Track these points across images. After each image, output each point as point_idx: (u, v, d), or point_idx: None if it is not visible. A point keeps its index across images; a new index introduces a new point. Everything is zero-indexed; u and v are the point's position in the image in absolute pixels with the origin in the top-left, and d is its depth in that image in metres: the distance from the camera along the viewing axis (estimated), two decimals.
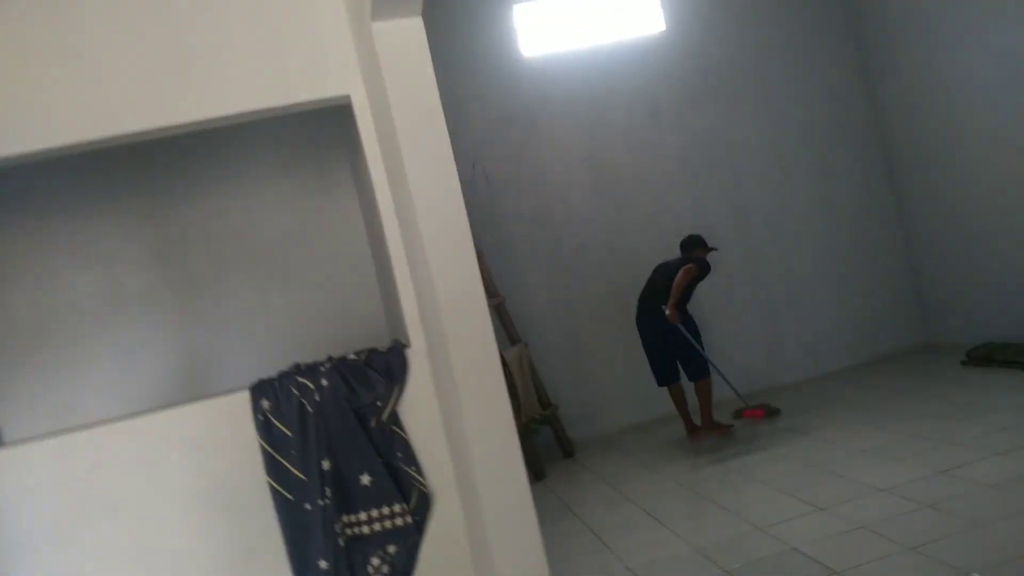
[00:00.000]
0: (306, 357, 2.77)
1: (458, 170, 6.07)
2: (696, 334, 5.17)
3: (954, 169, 5.88)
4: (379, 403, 2.61)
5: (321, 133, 4.57)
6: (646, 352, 5.31)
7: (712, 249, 5.35)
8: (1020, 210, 5.41)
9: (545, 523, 4.23)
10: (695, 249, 5.29)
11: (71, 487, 2.49)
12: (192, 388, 4.33)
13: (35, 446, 2.53)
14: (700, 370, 5.15)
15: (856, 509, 3.48)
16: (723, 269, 5.83)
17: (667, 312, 5.06)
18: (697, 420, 5.26)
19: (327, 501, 2.54)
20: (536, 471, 5.19)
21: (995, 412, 4.39)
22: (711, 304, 6.01)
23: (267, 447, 2.55)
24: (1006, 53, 5.20)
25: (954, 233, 6.06)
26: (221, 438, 2.60)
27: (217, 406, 2.59)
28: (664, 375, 5.29)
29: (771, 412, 5.33)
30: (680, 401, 5.30)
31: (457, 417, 2.37)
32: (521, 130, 5.96)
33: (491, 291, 5.59)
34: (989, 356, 5.48)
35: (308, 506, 2.55)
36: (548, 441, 5.65)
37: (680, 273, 5.06)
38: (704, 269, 5.20)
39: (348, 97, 2.55)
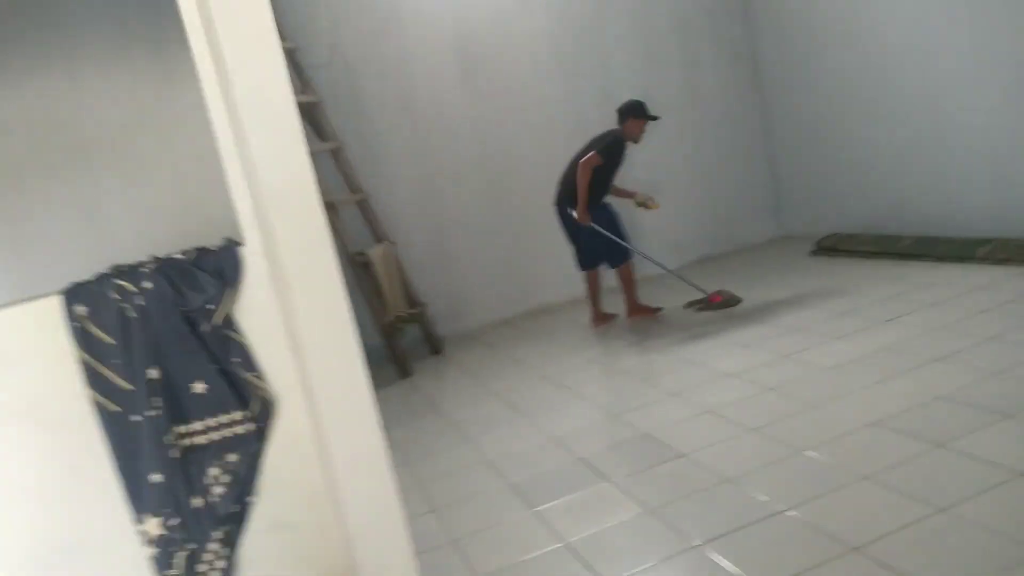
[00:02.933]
0: (144, 257, 2.52)
1: (313, 53, 5.65)
2: (613, 220, 5.01)
3: (813, 68, 6.00)
4: (211, 306, 2.41)
5: (157, 10, 4.08)
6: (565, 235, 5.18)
7: (651, 119, 4.92)
8: (866, 111, 5.60)
9: (409, 420, 4.25)
10: (627, 119, 4.92)
11: None
12: (19, 291, 3.95)
13: None
14: (617, 257, 5.02)
15: (705, 394, 3.63)
16: None
17: (575, 215, 4.88)
18: (611, 311, 5.31)
19: (157, 411, 2.36)
20: (403, 369, 5.15)
21: (836, 298, 4.66)
22: None
23: (86, 357, 2.33)
24: None
25: (808, 130, 6.25)
26: (31, 349, 2.35)
27: (23, 313, 2.32)
28: (581, 260, 5.20)
29: (729, 300, 4.87)
30: (592, 288, 5.23)
31: (294, 318, 2.23)
32: (382, 11, 5.57)
33: (353, 186, 5.35)
34: (835, 246, 5.79)
35: (136, 418, 2.37)
36: (416, 339, 5.59)
37: (580, 168, 4.79)
38: (613, 152, 4.86)
39: None
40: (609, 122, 5.58)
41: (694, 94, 6.36)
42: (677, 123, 6.30)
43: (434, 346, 5.57)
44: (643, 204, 5.12)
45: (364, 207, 5.40)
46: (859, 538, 2.23)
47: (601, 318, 5.26)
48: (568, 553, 2.54)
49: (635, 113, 4.91)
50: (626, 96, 6.01)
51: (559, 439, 3.50)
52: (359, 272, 5.09)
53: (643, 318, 5.12)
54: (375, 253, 5.20)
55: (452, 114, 5.81)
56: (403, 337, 5.30)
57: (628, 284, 5.10)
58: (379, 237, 5.40)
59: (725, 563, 2.28)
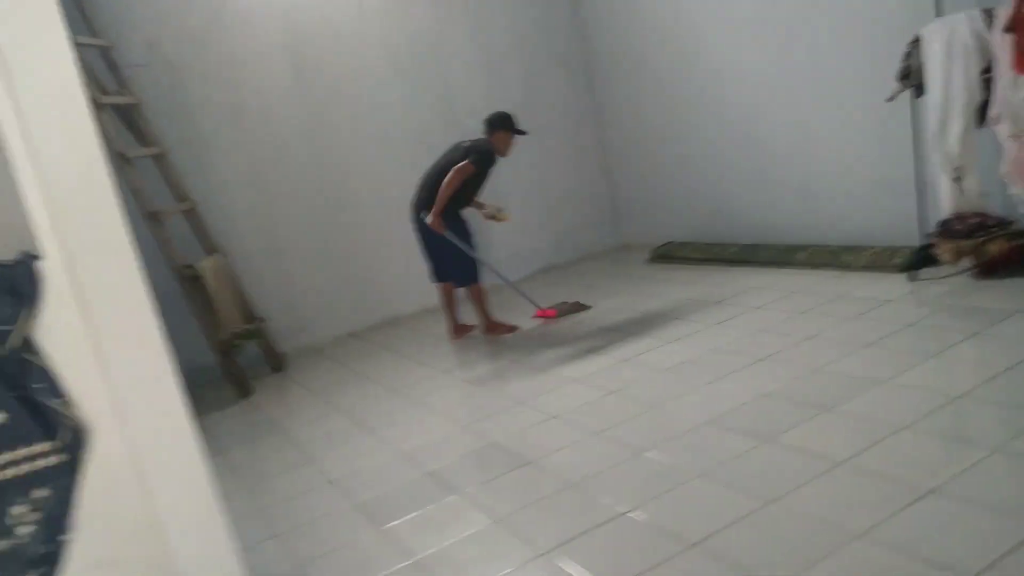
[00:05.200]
0: None
1: (131, 51, 5.25)
2: (466, 235, 4.84)
3: (644, 78, 6.27)
4: (6, 328, 2.14)
5: None
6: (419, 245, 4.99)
7: (519, 133, 4.78)
8: (692, 123, 5.93)
9: (249, 441, 4.01)
10: (496, 131, 4.73)
11: None
12: None
13: None
14: (467, 276, 4.87)
15: (551, 400, 3.67)
16: None
17: (427, 220, 4.67)
18: (468, 321, 5.20)
19: None
20: (242, 388, 4.87)
21: (670, 304, 4.87)
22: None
23: None
24: None
25: (642, 141, 6.54)
26: None
27: None
28: (434, 272, 5.01)
29: (572, 310, 5.03)
30: (447, 300, 5.07)
31: (101, 340, 2.02)
32: (206, 10, 5.26)
33: (179, 194, 5.02)
34: (669, 254, 6.07)
35: None
36: (255, 356, 5.30)
37: (451, 174, 4.56)
38: (485, 163, 4.69)
39: None
40: (450, 131, 5.57)
41: (533, 105, 6.46)
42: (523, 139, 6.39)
43: (275, 363, 5.31)
44: (493, 217, 5.01)
45: (192, 217, 5.06)
46: (698, 534, 2.30)
47: (459, 329, 5.12)
48: (417, 570, 2.46)
49: (504, 126, 4.74)
50: (466, 105, 6.06)
51: (407, 453, 3.41)
52: (189, 286, 4.76)
53: (498, 335, 5.00)
54: (206, 266, 4.88)
55: (284, 120, 5.57)
56: (241, 354, 5.01)
57: (479, 302, 4.96)
58: (209, 249, 5.09)
59: (573, 567, 2.29)
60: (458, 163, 4.62)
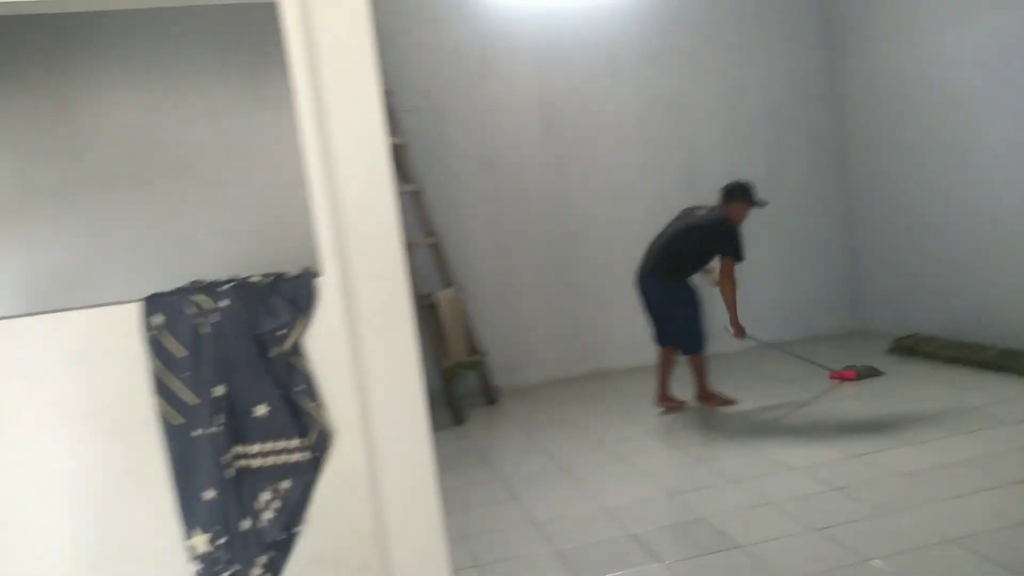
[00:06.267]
0: (231, 274, 2.57)
1: (406, 98, 5.81)
2: (696, 305, 4.74)
3: (905, 162, 5.87)
4: (282, 332, 2.43)
5: (262, 39, 4.25)
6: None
7: (756, 205, 4.65)
8: (957, 211, 5.43)
9: (458, 468, 4.18)
10: (734, 201, 4.62)
11: None
12: (100, 295, 4.07)
13: None
14: (693, 344, 4.72)
15: (767, 485, 3.47)
16: None
17: (731, 332, 4.69)
18: (680, 391, 4.98)
19: (218, 429, 2.36)
20: (457, 416, 5.10)
21: (914, 402, 4.44)
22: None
23: (157, 366, 2.36)
24: (971, 51, 5.14)
25: (895, 225, 6.08)
26: (107, 351, 2.39)
27: (104, 316, 2.37)
28: (657, 335, 4.88)
29: (868, 373, 5.00)
30: (663, 366, 4.85)
31: (362, 355, 2.22)
32: (475, 66, 5.71)
33: (429, 230, 5.42)
34: (913, 347, 5.56)
35: (197, 432, 2.38)
36: (473, 387, 5.55)
37: (724, 278, 4.58)
38: (734, 248, 4.61)
39: None
40: (689, 197, 5.54)
41: (778, 178, 6.27)
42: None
43: (490, 396, 5.52)
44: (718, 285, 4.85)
45: (437, 250, 5.44)
46: None
47: (666, 400, 4.90)
48: None
49: (743, 196, 4.63)
50: (709, 174, 6.02)
51: (610, 510, 3.38)
52: (424, 314, 5.10)
53: (713, 406, 4.79)
54: (442, 297, 5.22)
55: (531, 170, 5.86)
56: (460, 383, 5.27)
57: (699, 371, 4.79)
58: (448, 281, 5.43)
59: None
60: (692, 237, 4.64)
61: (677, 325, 4.74)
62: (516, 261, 5.88)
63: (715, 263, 4.93)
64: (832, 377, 5.03)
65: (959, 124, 5.32)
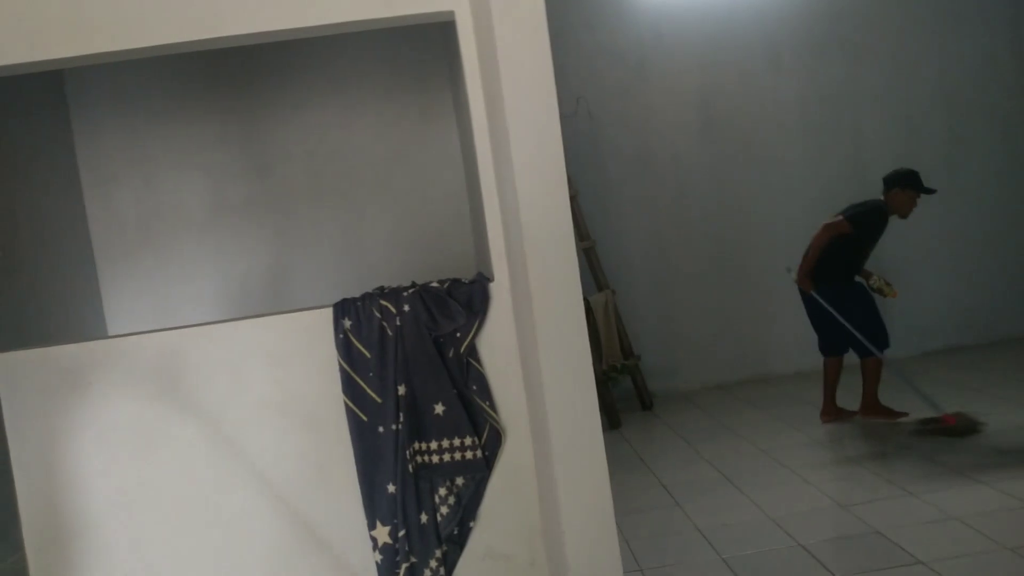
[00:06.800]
0: (393, 282, 2.74)
1: (561, 103, 5.90)
2: (867, 303, 4.40)
3: None
4: (458, 334, 2.55)
5: (425, 55, 4.48)
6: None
7: (925, 191, 4.35)
8: None
9: (616, 473, 4.15)
10: (893, 188, 4.35)
11: (153, 388, 2.56)
12: (284, 300, 4.43)
13: (128, 341, 2.61)
14: (864, 346, 4.34)
15: (951, 498, 3.26)
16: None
17: (793, 275, 4.45)
18: (846, 402, 4.65)
19: (400, 426, 2.53)
20: (612, 420, 5.12)
21: None
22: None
23: (345, 366, 2.55)
24: None
25: None
26: (301, 353, 2.61)
27: (299, 320, 2.60)
28: (822, 344, 4.60)
29: (966, 427, 4.04)
30: (830, 377, 4.58)
31: (534, 356, 2.29)
32: (630, 66, 5.71)
33: (582, 233, 5.47)
34: None
35: (381, 429, 2.55)
36: (627, 391, 5.55)
37: (820, 229, 4.36)
38: (867, 223, 4.33)
39: (452, 13, 2.43)
40: (858, 191, 5.27)
41: (956, 168, 5.85)
42: (934, 198, 5.83)
43: (644, 400, 5.50)
44: (879, 290, 4.49)
45: (590, 254, 5.48)
46: None
47: (833, 411, 4.62)
48: None
49: (904, 183, 4.33)
50: (878, 166, 5.68)
51: (777, 520, 3.29)
52: None
53: (879, 420, 4.45)
54: (596, 300, 5.26)
55: (688, 170, 5.79)
56: (615, 387, 5.29)
57: (871, 378, 4.43)
58: (601, 285, 5.45)
59: None
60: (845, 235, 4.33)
61: (840, 328, 4.38)
62: (673, 264, 5.82)
63: (875, 272, 4.58)
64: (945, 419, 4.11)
65: None
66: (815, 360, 4.87)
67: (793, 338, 5.62)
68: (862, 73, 5.85)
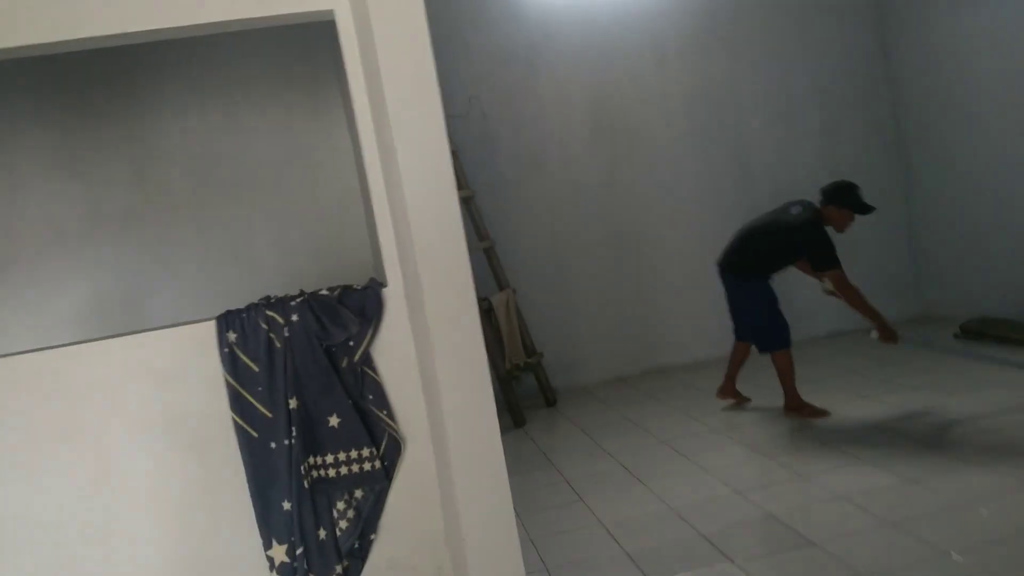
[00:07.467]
0: (286, 291, 2.64)
1: (454, 103, 5.84)
2: (767, 301, 4.46)
3: (965, 139, 5.70)
4: (352, 343, 2.48)
5: (312, 54, 4.35)
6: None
7: (861, 212, 4.29)
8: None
9: (521, 471, 4.20)
10: (833, 204, 4.29)
11: (26, 411, 2.38)
12: (170, 314, 4.21)
13: None
14: (768, 341, 4.43)
15: (838, 480, 3.41)
16: (726, 225, 4.98)
17: (877, 338, 4.34)
18: (746, 389, 4.79)
19: (293, 441, 2.43)
20: (516, 418, 5.13)
21: (986, 388, 4.32)
22: (700, 262, 5.39)
23: (232, 381, 2.44)
24: None
25: (957, 205, 5.91)
26: (185, 369, 2.48)
27: (181, 335, 2.46)
28: (737, 330, 4.67)
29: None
30: (735, 358, 4.68)
31: (430, 362, 2.25)
32: (521, 68, 5.72)
33: (481, 233, 5.45)
34: (982, 330, 5.40)
35: (273, 444, 2.45)
36: (531, 388, 5.57)
37: (845, 287, 4.26)
38: (824, 255, 4.28)
39: (331, 12, 2.36)
40: (742, 186, 5.46)
41: (831, 160, 6.13)
42: (813, 191, 6.10)
43: (548, 397, 5.53)
44: (833, 293, 4.48)
45: (490, 254, 5.47)
46: None
47: (730, 391, 4.76)
48: None
49: (844, 200, 4.27)
50: (759, 160, 5.93)
51: (678, 510, 3.36)
52: (481, 318, 5.13)
53: (802, 417, 4.37)
54: (497, 300, 5.25)
55: (581, 168, 5.85)
56: (518, 385, 5.30)
57: (784, 374, 4.42)
58: (502, 284, 5.45)
59: None
60: (774, 237, 4.38)
61: (753, 321, 4.52)
62: (569, 261, 5.87)
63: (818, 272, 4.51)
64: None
65: (1017, 96, 5.15)
66: (711, 350, 5.03)
67: (690, 329, 5.81)
68: (743, 71, 6.06)
